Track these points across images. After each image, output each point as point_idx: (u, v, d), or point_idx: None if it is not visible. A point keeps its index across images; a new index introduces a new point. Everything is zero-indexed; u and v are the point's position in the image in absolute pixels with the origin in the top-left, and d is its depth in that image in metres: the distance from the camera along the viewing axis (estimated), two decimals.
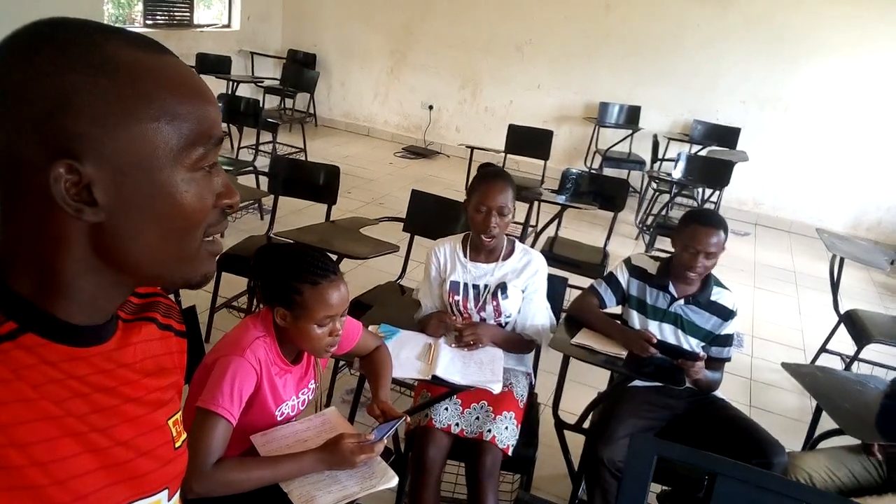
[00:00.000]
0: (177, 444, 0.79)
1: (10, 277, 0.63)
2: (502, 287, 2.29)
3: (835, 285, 3.69)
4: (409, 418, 1.73)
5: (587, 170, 6.04)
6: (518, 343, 2.33)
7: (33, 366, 0.62)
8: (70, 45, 0.58)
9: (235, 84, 6.87)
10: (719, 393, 2.40)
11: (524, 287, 2.32)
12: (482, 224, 2.22)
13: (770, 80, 6.34)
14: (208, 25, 7.64)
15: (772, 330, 4.35)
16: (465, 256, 2.34)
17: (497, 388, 2.00)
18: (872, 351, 3.55)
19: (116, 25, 0.63)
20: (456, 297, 2.31)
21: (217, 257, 0.72)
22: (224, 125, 5.72)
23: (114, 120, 0.59)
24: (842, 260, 3.64)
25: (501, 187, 2.23)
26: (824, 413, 2.18)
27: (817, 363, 3.65)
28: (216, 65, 6.84)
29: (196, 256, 0.68)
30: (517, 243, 2.38)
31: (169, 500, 0.78)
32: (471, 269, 2.32)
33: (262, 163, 4.97)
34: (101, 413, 0.67)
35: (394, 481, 1.53)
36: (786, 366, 2.35)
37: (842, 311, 3.62)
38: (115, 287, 0.67)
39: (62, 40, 0.59)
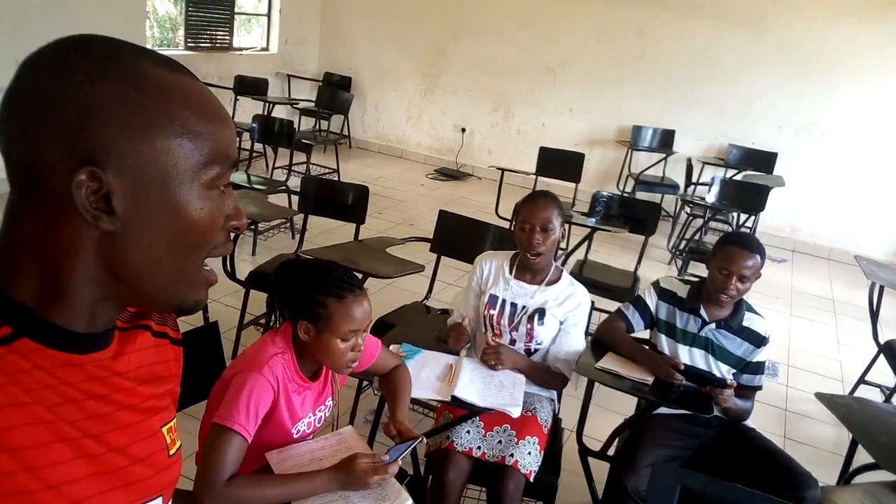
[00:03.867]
0: (171, 452, 0.79)
1: (8, 283, 0.64)
2: (540, 312, 2.28)
3: (874, 314, 3.57)
4: (426, 439, 1.70)
5: (619, 193, 5.98)
6: (544, 374, 2.30)
7: (27, 371, 0.62)
8: (104, 59, 0.61)
9: (272, 105, 6.99)
10: (750, 422, 2.33)
11: (563, 318, 2.30)
12: (526, 241, 2.24)
13: (806, 105, 6.24)
14: (247, 49, 7.82)
15: (808, 359, 4.22)
16: (511, 273, 2.34)
17: (516, 413, 1.97)
18: None
19: (145, 46, 0.66)
20: (491, 311, 2.31)
21: (210, 287, 0.73)
22: (259, 145, 5.83)
23: (140, 132, 0.61)
24: (881, 288, 3.53)
25: (544, 204, 2.26)
26: (860, 446, 2.10)
27: (855, 395, 3.53)
28: (253, 86, 6.98)
29: (195, 279, 0.70)
30: (565, 273, 2.37)
31: None
32: (513, 287, 2.32)
33: (295, 183, 5.02)
34: (94, 419, 0.68)
35: (408, 503, 1.50)
36: (820, 396, 2.27)
37: (881, 342, 3.50)
38: (112, 300, 0.68)
39: (97, 54, 0.61)
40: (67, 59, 0.60)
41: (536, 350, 2.31)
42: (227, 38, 7.47)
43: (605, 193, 4.22)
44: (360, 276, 2.72)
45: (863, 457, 2.15)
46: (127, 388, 0.72)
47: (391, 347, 2.09)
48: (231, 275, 3.25)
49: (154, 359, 0.79)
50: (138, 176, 0.61)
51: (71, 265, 0.64)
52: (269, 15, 7.91)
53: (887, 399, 3.45)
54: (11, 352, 0.62)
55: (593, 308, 2.58)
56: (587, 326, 2.40)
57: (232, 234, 0.72)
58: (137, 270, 0.65)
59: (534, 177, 5.56)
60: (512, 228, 2.37)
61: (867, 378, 3.64)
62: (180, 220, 0.65)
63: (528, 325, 2.28)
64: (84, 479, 0.66)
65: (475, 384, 2.06)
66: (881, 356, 3.46)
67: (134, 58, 0.62)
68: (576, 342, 2.31)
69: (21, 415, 0.61)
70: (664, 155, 6.61)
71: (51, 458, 0.63)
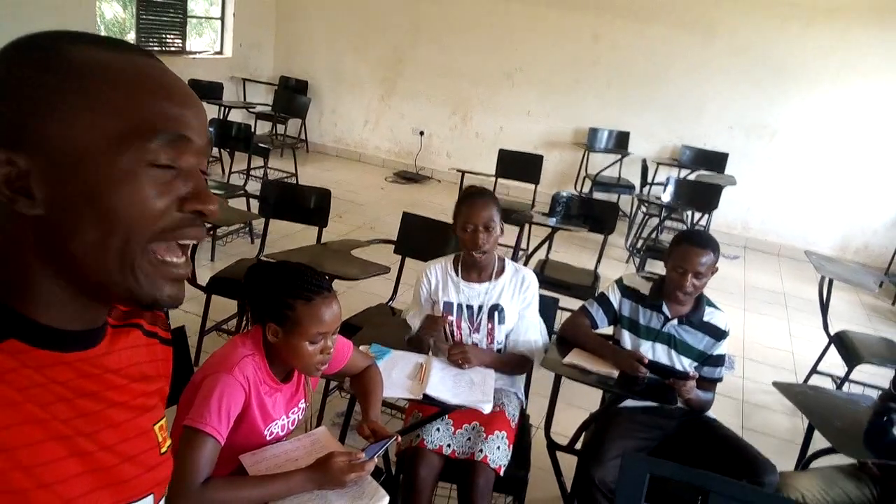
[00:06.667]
0: (162, 450, 0.78)
1: None
2: (499, 309, 2.29)
3: (824, 307, 3.70)
4: (399, 438, 1.71)
5: (577, 194, 6.08)
6: (511, 363, 2.32)
7: (16, 370, 0.61)
8: (31, 48, 0.61)
9: (227, 109, 6.90)
10: (711, 413, 2.39)
11: (519, 306, 2.32)
12: (471, 241, 2.24)
13: (756, 107, 6.44)
14: (201, 52, 7.70)
15: (763, 352, 4.36)
16: (458, 276, 2.34)
17: (487, 408, 1.99)
18: (863, 372, 3.56)
19: (96, 33, 0.65)
20: (450, 318, 2.31)
21: (180, 282, 0.67)
22: (215, 150, 5.74)
23: (50, 111, 0.59)
24: (830, 281, 3.66)
25: (483, 204, 2.26)
26: (816, 432, 2.18)
27: (809, 384, 3.65)
28: (208, 90, 6.86)
29: (144, 268, 0.64)
30: (507, 261, 2.39)
31: None
32: (464, 290, 2.32)
33: (254, 187, 4.98)
34: (86, 417, 0.67)
35: (384, 500, 1.51)
36: (777, 385, 2.35)
37: (832, 333, 3.63)
38: (83, 295, 0.66)
39: (31, 44, 0.61)
40: (3, 53, 0.61)
41: (498, 350, 2.33)
42: (180, 41, 7.35)
43: (564, 194, 4.29)
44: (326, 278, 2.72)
45: (819, 443, 2.23)
46: (118, 385, 0.72)
47: (360, 348, 2.09)
48: (191, 280, 3.20)
49: (144, 357, 0.78)
50: (51, 155, 0.59)
51: (24, 258, 0.63)
52: (222, 18, 7.81)
53: (838, 388, 3.57)
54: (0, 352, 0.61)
55: (557, 307, 2.62)
56: (552, 325, 2.44)
57: (206, 222, 0.68)
58: (78, 258, 0.62)
59: (493, 178, 5.61)
60: (454, 230, 2.34)
61: (819, 368, 3.77)
62: (105, 199, 0.60)
63: (489, 325, 2.30)
64: (76, 476, 0.65)
65: (446, 382, 2.07)
66: (832, 347, 3.60)
67: (67, 44, 0.61)
68: (532, 323, 2.33)
69: (14, 414, 0.60)
70: (620, 156, 6.74)
71: (44, 456, 0.62)
